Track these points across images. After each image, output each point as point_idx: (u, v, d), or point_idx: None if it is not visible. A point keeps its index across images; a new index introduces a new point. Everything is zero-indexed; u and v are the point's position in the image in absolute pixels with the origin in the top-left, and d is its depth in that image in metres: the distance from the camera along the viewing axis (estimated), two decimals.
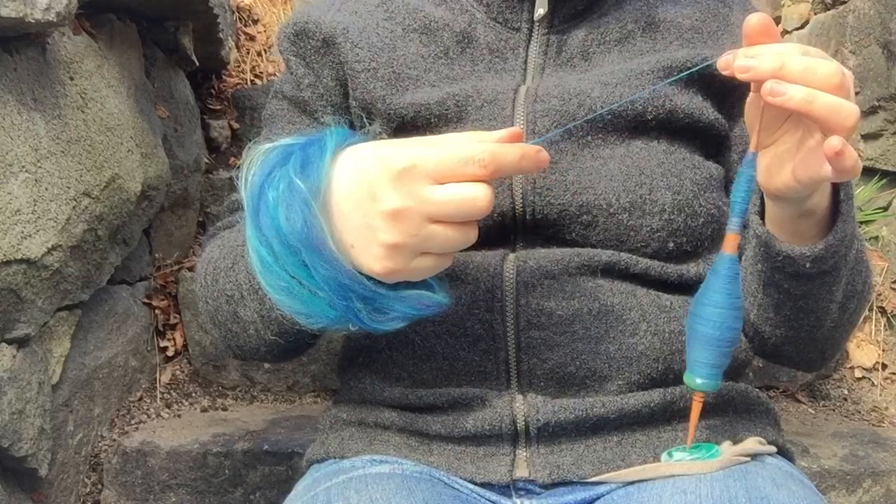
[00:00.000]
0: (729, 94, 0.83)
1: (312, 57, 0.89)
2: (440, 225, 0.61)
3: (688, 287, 0.79)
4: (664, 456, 0.74)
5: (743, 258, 0.80)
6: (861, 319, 0.88)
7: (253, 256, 0.66)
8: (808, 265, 0.70)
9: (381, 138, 0.70)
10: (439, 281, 0.67)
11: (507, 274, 0.78)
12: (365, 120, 0.87)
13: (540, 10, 0.84)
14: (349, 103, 0.89)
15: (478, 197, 0.59)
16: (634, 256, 0.79)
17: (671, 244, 0.79)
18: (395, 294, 0.64)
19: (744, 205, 0.64)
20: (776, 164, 0.65)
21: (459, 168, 0.59)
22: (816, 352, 0.83)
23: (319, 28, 0.88)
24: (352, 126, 0.89)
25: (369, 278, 0.64)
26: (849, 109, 0.58)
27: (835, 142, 0.57)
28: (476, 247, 0.79)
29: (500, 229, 0.80)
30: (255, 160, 0.66)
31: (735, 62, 0.60)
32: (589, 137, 0.80)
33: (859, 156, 1.91)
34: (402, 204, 0.60)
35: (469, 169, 0.59)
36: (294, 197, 0.62)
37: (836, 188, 0.69)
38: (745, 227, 0.75)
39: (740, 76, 0.60)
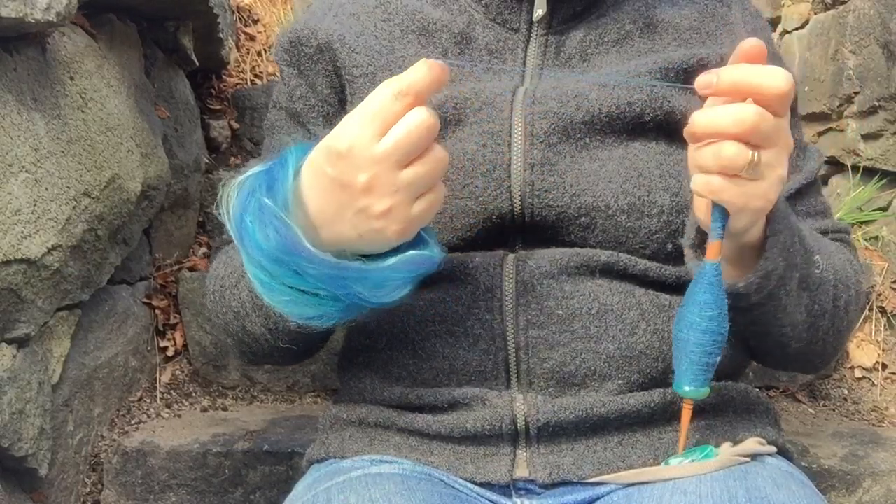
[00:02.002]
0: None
1: (306, 65, 0.89)
2: (410, 167, 0.63)
3: (686, 288, 0.79)
4: (662, 465, 0.74)
5: None
6: (857, 323, 0.88)
7: (252, 281, 0.68)
8: (731, 301, 0.69)
9: None
10: (431, 235, 0.69)
11: (507, 274, 0.78)
12: None
13: (539, 11, 0.84)
14: (346, 110, 0.89)
15: (419, 119, 0.61)
16: (633, 257, 0.79)
17: (670, 245, 0.79)
18: (386, 265, 0.66)
19: (721, 212, 0.65)
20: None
21: (390, 109, 0.61)
22: (799, 363, 0.85)
23: (315, 35, 0.88)
24: None
25: (356, 259, 0.66)
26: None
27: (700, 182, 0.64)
28: (476, 248, 0.80)
29: (499, 231, 0.80)
30: (232, 193, 0.68)
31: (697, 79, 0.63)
32: (587, 139, 0.80)
33: (858, 155, 1.92)
34: (368, 173, 0.62)
35: (396, 107, 0.61)
36: (265, 215, 0.64)
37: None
38: None
39: (703, 92, 0.64)
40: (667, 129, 0.81)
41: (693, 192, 0.66)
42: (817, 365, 0.87)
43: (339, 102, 0.90)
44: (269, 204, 0.64)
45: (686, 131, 0.65)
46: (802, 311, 0.76)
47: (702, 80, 0.63)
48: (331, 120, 0.90)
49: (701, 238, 0.71)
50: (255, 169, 0.69)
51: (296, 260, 0.64)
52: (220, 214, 0.68)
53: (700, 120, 0.63)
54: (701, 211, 0.68)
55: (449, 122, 0.81)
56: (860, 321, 1.73)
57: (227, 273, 0.83)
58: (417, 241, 0.68)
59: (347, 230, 0.65)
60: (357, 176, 0.62)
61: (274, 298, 0.67)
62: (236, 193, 0.67)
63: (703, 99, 0.83)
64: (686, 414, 0.70)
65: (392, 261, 0.66)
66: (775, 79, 0.60)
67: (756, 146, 0.61)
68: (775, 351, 0.82)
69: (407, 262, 0.66)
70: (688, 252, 0.72)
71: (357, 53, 0.86)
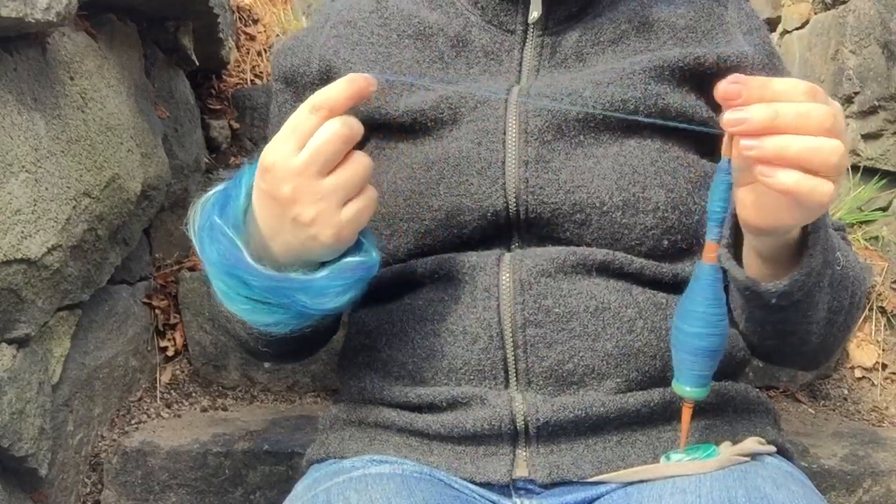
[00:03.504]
0: None
1: (301, 92, 0.91)
2: (331, 175, 0.66)
3: (684, 286, 0.79)
4: (662, 459, 0.75)
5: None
6: (859, 321, 0.89)
7: (215, 291, 0.73)
8: (774, 300, 0.69)
9: None
10: (370, 239, 0.72)
11: (504, 272, 0.78)
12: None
13: (534, 13, 0.84)
14: None
15: (332, 131, 0.65)
16: (629, 256, 0.79)
17: (665, 242, 0.80)
18: (321, 275, 0.69)
19: (722, 213, 0.64)
20: (765, 202, 0.64)
21: (306, 125, 0.65)
22: (806, 360, 0.84)
23: (309, 62, 0.89)
24: None
25: (296, 270, 0.69)
26: (829, 148, 0.57)
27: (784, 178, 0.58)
28: (472, 245, 0.80)
29: (495, 229, 0.80)
30: (197, 212, 0.73)
31: (723, 117, 0.59)
32: (581, 137, 0.80)
33: (858, 155, 1.92)
34: (291, 184, 0.66)
35: (311, 121, 0.65)
36: (215, 232, 0.69)
37: None
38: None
39: (731, 130, 0.59)
40: (661, 126, 0.81)
41: (775, 190, 0.60)
42: (821, 361, 0.86)
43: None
44: (218, 222, 0.69)
45: (754, 129, 0.59)
46: (825, 308, 0.76)
47: (730, 118, 0.59)
48: None
49: (736, 238, 0.71)
50: (217, 187, 0.73)
51: (240, 273, 0.69)
52: (187, 230, 0.73)
53: (788, 109, 0.58)
54: (749, 209, 0.66)
55: (445, 122, 0.82)
56: (860, 321, 1.73)
57: None
58: (356, 247, 0.71)
59: (290, 240, 0.68)
60: (282, 188, 0.66)
61: (234, 307, 0.72)
62: (199, 211, 0.72)
63: (705, 95, 0.84)
64: (686, 413, 0.70)
65: (325, 271, 0.69)
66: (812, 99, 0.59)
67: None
68: (791, 349, 0.80)
69: (341, 269, 0.69)
70: (723, 252, 0.72)
71: (352, 63, 0.87)
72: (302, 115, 0.66)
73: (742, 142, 0.59)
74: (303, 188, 0.65)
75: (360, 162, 0.67)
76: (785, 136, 0.58)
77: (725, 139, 0.62)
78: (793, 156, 0.58)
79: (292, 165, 0.65)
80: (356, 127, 0.66)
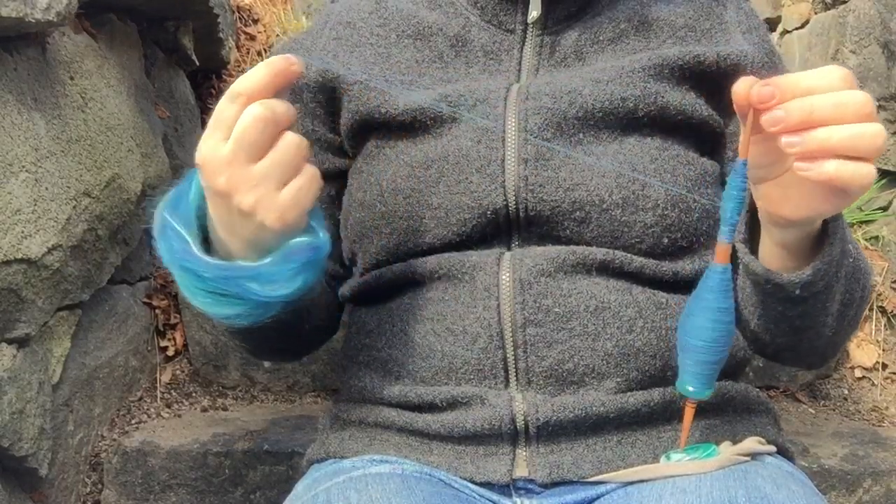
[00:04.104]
0: (721, 91, 0.83)
1: (302, 96, 0.91)
2: (262, 159, 0.65)
3: (684, 285, 0.79)
4: (662, 459, 0.74)
5: (739, 275, 0.79)
6: (861, 319, 0.89)
7: (180, 289, 0.73)
8: (797, 291, 0.69)
9: None
10: (318, 220, 0.70)
11: (504, 272, 0.78)
12: (351, 146, 0.90)
13: (534, 13, 0.84)
14: (337, 126, 0.91)
15: (252, 115, 0.63)
16: (629, 255, 0.79)
17: (665, 239, 0.80)
18: (267, 261, 0.68)
19: (735, 215, 0.63)
20: (798, 193, 0.63)
21: (227, 114, 0.64)
22: (817, 356, 0.83)
23: (308, 68, 0.89)
24: (342, 152, 0.92)
25: (247, 259, 0.69)
26: (872, 132, 0.57)
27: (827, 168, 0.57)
28: (471, 244, 0.80)
29: (494, 227, 0.80)
30: (157, 210, 0.72)
31: (764, 117, 0.59)
32: (581, 135, 0.80)
33: None
34: (224, 175, 0.65)
35: (231, 110, 0.64)
36: (166, 229, 0.70)
37: None
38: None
39: (772, 130, 0.59)
40: (661, 124, 0.82)
41: (816, 180, 0.59)
42: (828, 359, 0.86)
43: (331, 115, 0.91)
44: (168, 218, 0.69)
45: (793, 121, 0.58)
46: (839, 301, 0.76)
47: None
48: (318, 138, 0.92)
49: (752, 233, 0.71)
50: (173, 189, 0.72)
51: (190, 266, 0.68)
52: (151, 229, 0.72)
53: (825, 102, 0.58)
54: (778, 203, 0.65)
55: (445, 120, 0.82)
56: (860, 320, 1.73)
57: None
58: (310, 228, 0.70)
59: (241, 231, 0.68)
60: (218, 181, 0.65)
61: (195, 301, 0.71)
62: (158, 211, 0.72)
63: (705, 93, 0.84)
64: (689, 413, 0.70)
65: (271, 256, 0.68)
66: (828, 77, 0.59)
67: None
68: (806, 344, 0.80)
69: (287, 252, 0.68)
70: (740, 247, 0.72)
71: (351, 65, 0.87)
72: (223, 105, 0.65)
73: (784, 139, 0.58)
74: (236, 177, 0.64)
75: (290, 141, 0.65)
76: (825, 128, 0.58)
77: (742, 139, 0.62)
78: (835, 146, 0.57)
79: (221, 156, 0.64)
80: (280, 109, 0.64)
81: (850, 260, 0.75)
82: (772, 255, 0.71)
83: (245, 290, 0.68)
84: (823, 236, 0.69)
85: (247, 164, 0.64)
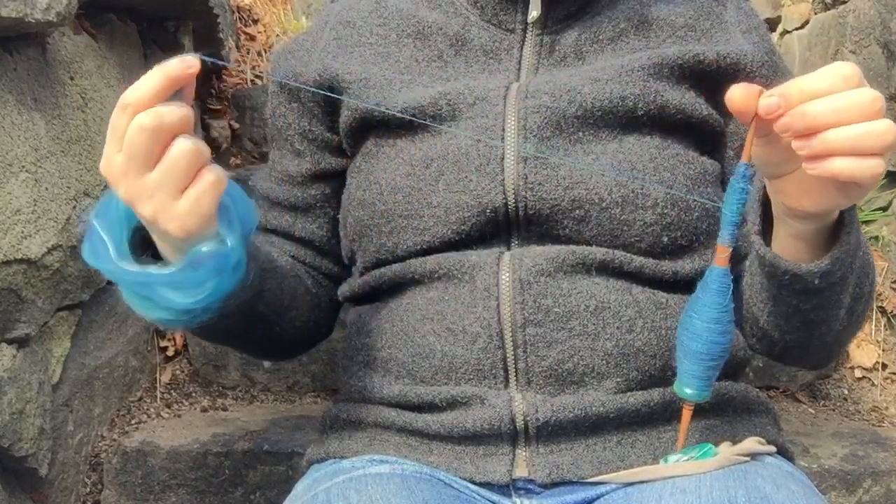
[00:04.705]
0: (721, 90, 0.83)
1: (296, 97, 0.92)
2: (154, 169, 0.63)
3: (684, 284, 0.79)
4: (661, 462, 0.74)
5: (749, 263, 0.79)
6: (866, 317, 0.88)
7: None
8: (816, 281, 0.69)
9: None
10: (231, 226, 0.68)
11: (504, 272, 0.78)
12: (350, 145, 0.90)
13: (534, 12, 0.84)
14: (336, 125, 0.91)
15: (136, 126, 0.62)
16: (629, 254, 0.79)
17: (665, 238, 0.80)
18: (174, 269, 0.67)
19: (736, 217, 0.64)
20: (813, 187, 0.64)
21: (117, 124, 0.63)
22: (825, 353, 0.83)
23: (307, 68, 0.90)
24: (340, 151, 0.92)
25: (164, 264, 0.68)
26: (879, 130, 0.58)
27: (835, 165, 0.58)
28: (471, 243, 0.80)
29: (494, 226, 0.80)
30: (88, 216, 0.71)
31: (776, 126, 0.60)
32: (580, 133, 0.80)
33: None
34: (121, 187, 0.64)
35: (121, 120, 0.63)
36: (91, 233, 0.68)
37: None
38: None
39: (783, 135, 0.60)
40: (661, 123, 0.82)
41: (825, 176, 0.60)
42: (834, 355, 0.85)
43: (329, 114, 0.91)
44: (93, 222, 0.68)
45: (799, 124, 0.60)
46: (850, 294, 0.75)
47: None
48: (315, 138, 0.92)
49: (765, 224, 0.71)
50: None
51: (109, 271, 0.67)
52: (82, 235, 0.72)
53: (826, 111, 0.59)
54: (795, 197, 0.66)
55: (444, 118, 0.82)
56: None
57: None
58: (222, 238, 0.68)
59: (157, 238, 0.68)
60: (119, 192, 0.65)
61: (128, 302, 0.70)
62: (89, 215, 0.71)
63: (704, 92, 0.84)
64: (686, 415, 0.70)
65: (175, 265, 0.67)
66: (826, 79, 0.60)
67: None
68: (816, 340, 0.79)
69: (192, 261, 0.66)
70: (755, 239, 0.72)
71: (350, 64, 0.87)
72: (115, 116, 0.64)
73: (793, 143, 0.60)
74: (132, 188, 0.64)
75: (181, 149, 0.63)
76: (831, 130, 0.58)
77: (748, 143, 0.63)
78: (840, 148, 0.58)
79: (116, 167, 0.64)
80: (170, 116, 0.62)
81: (861, 252, 0.75)
82: (786, 248, 0.71)
83: (158, 297, 0.67)
84: (839, 227, 0.69)
85: (140, 174, 0.63)
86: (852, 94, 0.59)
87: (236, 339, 0.90)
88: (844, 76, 0.59)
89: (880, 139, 0.58)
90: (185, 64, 0.63)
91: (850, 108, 0.58)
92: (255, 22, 2.49)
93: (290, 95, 0.92)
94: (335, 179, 0.92)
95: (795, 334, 0.78)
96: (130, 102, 0.62)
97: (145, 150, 0.62)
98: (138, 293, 0.68)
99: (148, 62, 1.65)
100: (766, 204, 0.71)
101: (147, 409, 1.50)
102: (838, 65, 0.61)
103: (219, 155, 2.06)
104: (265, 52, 2.40)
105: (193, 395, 1.58)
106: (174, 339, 1.62)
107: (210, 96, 2.10)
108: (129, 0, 1.52)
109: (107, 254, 0.67)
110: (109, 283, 1.41)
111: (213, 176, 0.65)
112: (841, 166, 0.59)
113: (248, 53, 2.36)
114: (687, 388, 0.68)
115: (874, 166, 0.59)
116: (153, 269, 0.67)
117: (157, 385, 1.56)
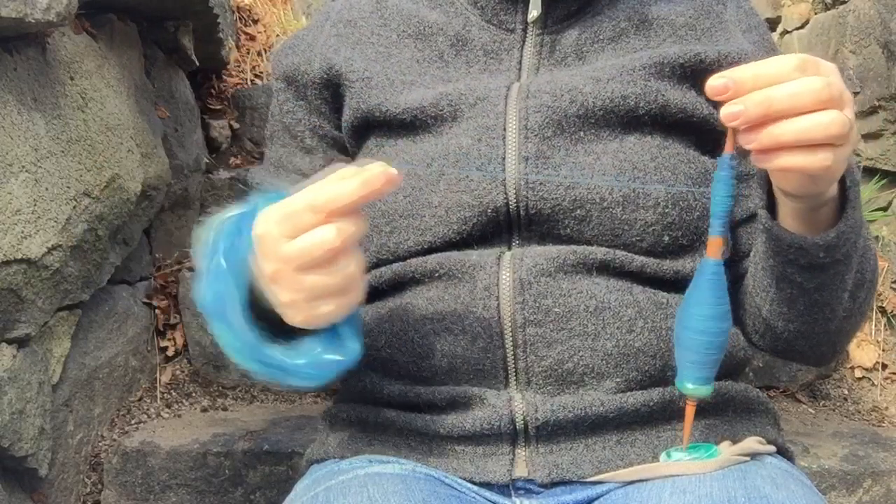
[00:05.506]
0: None
1: (302, 91, 0.91)
2: (313, 273, 0.63)
3: (685, 284, 0.79)
4: (663, 456, 0.74)
5: (752, 254, 0.80)
6: (868, 310, 0.88)
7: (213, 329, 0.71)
8: (821, 255, 0.70)
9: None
10: (351, 331, 0.69)
11: (504, 272, 0.78)
12: (353, 143, 0.89)
13: (534, 12, 0.84)
14: (341, 123, 0.90)
15: (324, 239, 0.61)
16: (629, 254, 0.79)
17: (666, 238, 0.80)
18: (300, 363, 0.67)
19: (724, 208, 0.64)
20: (789, 176, 0.65)
21: (303, 219, 0.62)
22: (829, 345, 0.83)
23: (311, 62, 0.90)
24: (343, 149, 0.92)
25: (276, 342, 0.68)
26: (826, 121, 0.58)
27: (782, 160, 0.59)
28: (471, 243, 0.80)
29: (495, 225, 0.80)
30: (209, 235, 0.70)
31: (721, 112, 0.60)
32: (582, 133, 0.80)
33: (858, 155, 1.92)
34: (272, 267, 0.64)
35: (307, 217, 0.61)
36: (220, 274, 0.67)
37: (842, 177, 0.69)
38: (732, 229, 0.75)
39: (730, 125, 0.60)
40: (662, 123, 0.82)
41: (777, 170, 0.63)
42: (837, 348, 0.85)
43: (333, 124, 0.91)
44: (223, 265, 0.67)
45: (751, 113, 0.60)
46: (852, 278, 0.76)
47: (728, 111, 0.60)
48: (323, 137, 0.92)
49: (770, 200, 0.72)
50: (230, 213, 0.70)
51: (229, 320, 0.67)
52: (195, 253, 0.71)
53: (781, 94, 0.59)
54: (782, 182, 0.67)
55: (446, 118, 0.82)
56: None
57: None
58: (335, 339, 0.68)
59: (271, 298, 0.66)
60: (265, 264, 0.64)
61: (219, 339, 0.70)
62: (211, 238, 0.69)
63: (705, 92, 0.84)
64: (689, 411, 0.70)
65: (303, 360, 0.67)
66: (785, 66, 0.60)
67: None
68: (819, 328, 0.79)
69: (318, 363, 0.67)
70: (761, 213, 0.72)
71: (353, 61, 0.87)
72: (298, 207, 0.62)
73: (741, 137, 0.60)
74: (283, 275, 0.63)
75: (346, 272, 0.63)
76: (779, 123, 0.59)
77: (729, 133, 0.63)
78: (788, 141, 0.59)
79: (278, 251, 0.63)
80: (350, 231, 0.61)
81: (864, 234, 0.76)
82: (789, 227, 0.72)
83: (266, 368, 0.68)
84: (844, 201, 0.69)
85: (297, 271, 0.63)
86: (806, 81, 0.59)
87: None
88: (796, 64, 0.60)
89: (826, 130, 0.58)
90: (387, 176, 0.61)
91: (803, 95, 0.58)
92: (255, 22, 2.49)
93: (296, 92, 0.92)
94: None
95: (798, 322, 0.78)
96: (322, 210, 0.61)
97: (317, 260, 0.62)
98: (238, 350, 0.68)
99: (148, 62, 1.65)
100: (770, 182, 0.71)
101: (147, 409, 1.50)
102: (791, 55, 0.61)
103: (219, 155, 2.06)
104: (265, 52, 2.40)
105: (193, 395, 1.58)
106: (174, 339, 1.62)
107: (210, 96, 2.10)
108: (128, 0, 1.52)
109: (233, 307, 0.67)
110: (109, 282, 1.41)
111: (356, 296, 0.66)
112: (788, 160, 0.59)
113: (248, 53, 2.37)
114: (688, 382, 0.68)
115: (822, 159, 0.59)
116: (275, 354, 0.67)
117: (157, 385, 1.57)
